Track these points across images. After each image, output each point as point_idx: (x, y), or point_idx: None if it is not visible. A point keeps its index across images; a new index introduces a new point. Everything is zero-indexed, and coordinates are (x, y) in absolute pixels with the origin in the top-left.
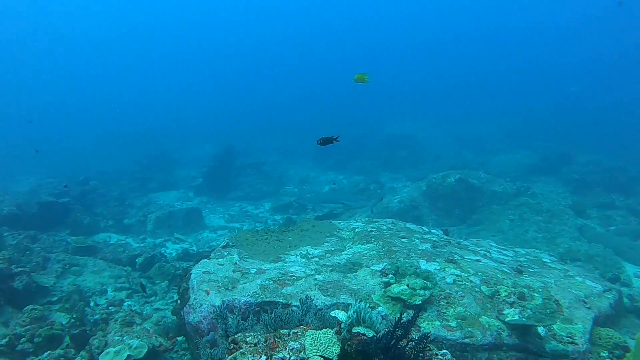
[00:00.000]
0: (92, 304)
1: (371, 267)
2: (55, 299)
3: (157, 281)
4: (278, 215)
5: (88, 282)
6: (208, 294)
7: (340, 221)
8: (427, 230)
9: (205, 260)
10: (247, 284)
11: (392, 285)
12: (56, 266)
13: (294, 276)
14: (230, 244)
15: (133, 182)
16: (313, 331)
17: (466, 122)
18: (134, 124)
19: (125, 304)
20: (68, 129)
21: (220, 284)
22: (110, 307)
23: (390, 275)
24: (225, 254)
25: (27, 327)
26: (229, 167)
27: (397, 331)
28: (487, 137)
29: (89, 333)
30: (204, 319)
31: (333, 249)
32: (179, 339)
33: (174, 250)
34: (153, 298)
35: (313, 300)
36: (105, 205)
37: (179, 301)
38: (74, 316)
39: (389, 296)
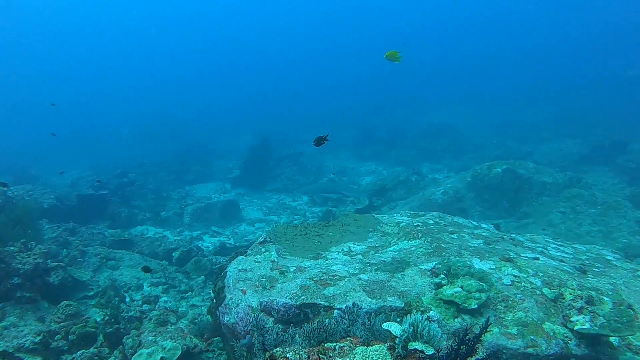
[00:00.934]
0: (127, 299)
1: (420, 266)
2: (92, 293)
3: (194, 276)
4: (317, 208)
5: (124, 277)
6: (245, 293)
7: (383, 215)
8: (476, 224)
9: (242, 257)
10: (286, 283)
11: (444, 287)
12: (93, 260)
13: (336, 275)
14: (268, 239)
15: (170, 174)
16: (363, 347)
17: (509, 109)
18: (173, 116)
19: (161, 299)
20: (109, 121)
21: (257, 283)
22: (144, 305)
23: (442, 276)
24: (263, 250)
25: (62, 323)
26: (266, 158)
27: (462, 348)
28: (531, 125)
29: (123, 332)
30: (240, 320)
31: (377, 245)
32: (214, 339)
33: (211, 243)
34: (189, 294)
35: (361, 307)
36: (143, 198)
37: (214, 300)
38: (109, 313)
39: (440, 299)
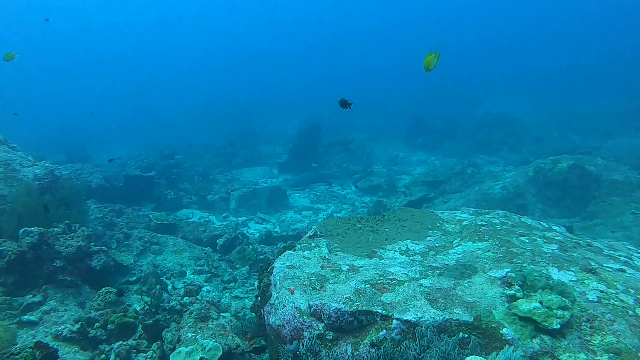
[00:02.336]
0: (169, 286)
1: (488, 273)
2: (134, 278)
3: (238, 265)
4: (366, 197)
5: (167, 262)
6: (292, 293)
7: (443, 211)
8: (547, 226)
9: (290, 252)
10: (338, 285)
11: (520, 301)
12: (137, 243)
13: (395, 279)
14: (319, 233)
15: (218, 157)
16: None
17: (571, 100)
18: (223, 99)
19: (204, 289)
20: (162, 104)
21: (306, 282)
22: (185, 298)
23: (516, 287)
24: (313, 245)
25: (101, 311)
26: (315, 144)
27: None
28: (596, 117)
29: (163, 324)
30: (286, 323)
31: (437, 244)
32: (257, 339)
33: (257, 230)
34: (232, 284)
35: (434, 332)
36: (190, 180)
37: (259, 297)
38: (149, 302)
39: (515, 314)
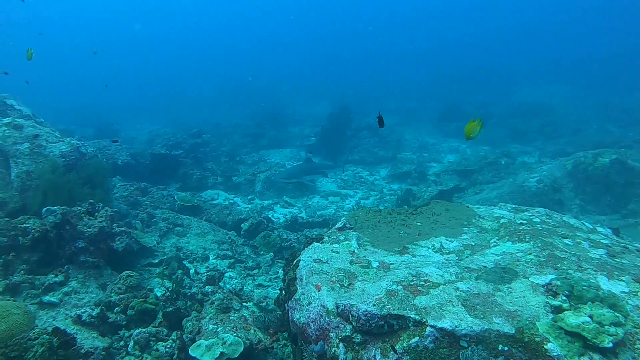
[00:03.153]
0: (192, 271)
1: (530, 279)
2: (156, 261)
3: (262, 252)
4: (395, 185)
5: (190, 245)
6: (319, 290)
7: (479, 206)
8: (590, 227)
9: (318, 244)
10: (368, 284)
11: (567, 314)
12: (161, 224)
13: (429, 281)
14: (348, 225)
15: (245, 138)
16: None
17: (611, 91)
18: (255, 78)
19: (227, 274)
20: (188, 81)
21: (334, 279)
22: (207, 287)
23: (562, 297)
24: (342, 238)
25: (122, 295)
26: (344, 128)
27: None
28: (636, 109)
29: (183, 312)
30: (312, 322)
31: (473, 243)
32: (280, 335)
33: (282, 215)
34: (256, 271)
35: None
36: (216, 160)
37: (284, 291)
38: (170, 288)
39: (561, 328)
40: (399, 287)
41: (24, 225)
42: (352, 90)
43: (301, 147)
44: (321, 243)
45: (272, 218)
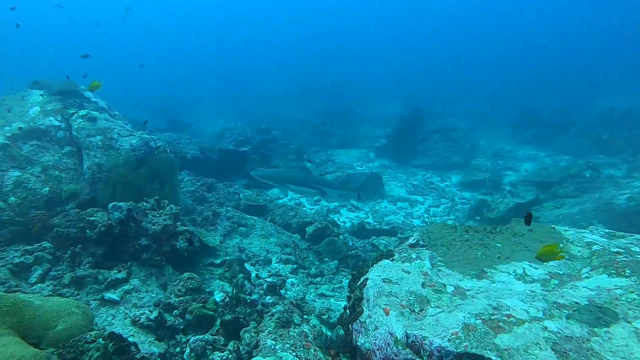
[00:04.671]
0: (253, 274)
1: (634, 324)
2: (219, 261)
3: (326, 259)
4: (467, 193)
5: (253, 247)
6: (387, 314)
7: (567, 228)
8: None
9: (387, 261)
10: (443, 313)
11: None
12: (225, 223)
13: (512, 316)
14: (421, 242)
15: (313, 136)
16: None
17: None
18: (322, 75)
19: (289, 281)
20: (258, 75)
21: (404, 303)
22: (268, 297)
23: None
24: (414, 256)
25: (182, 298)
26: (415, 130)
27: None
28: None
29: (242, 321)
30: (378, 349)
31: (561, 272)
32: (341, 357)
33: (348, 219)
34: (319, 279)
35: None
36: (283, 158)
37: (348, 310)
38: (230, 294)
39: None
40: (477, 321)
41: (92, 218)
42: (423, 91)
43: (370, 148)
44: (391, 260)
45: (337, 222)
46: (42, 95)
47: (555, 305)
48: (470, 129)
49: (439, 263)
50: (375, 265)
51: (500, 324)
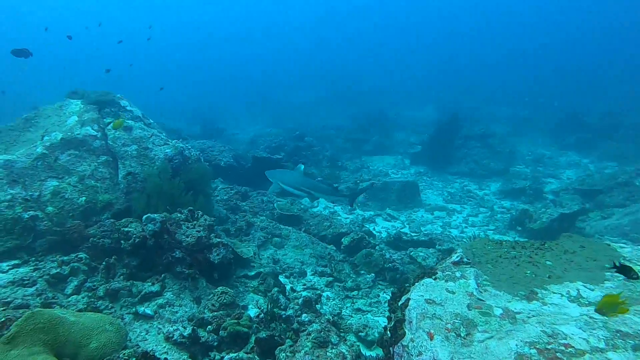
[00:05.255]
0: (288, 287)
1: None
2: (253, 273)
3: (362, 271)
4: (507, 201)
5: (288, 258)
6: (432, 338)
7: (623, 245)
8: None
9: (430, 280)
10: (492, 340)
11: None
12: (259, 234)
13: (570, 345)
14: (465, 260)
15: (347, 142)
16: None
17: None
18: (355, 80)
19: (324, 294)
20: (295, 81)
21: (449, 326)
22: (304, 315)
23: None
24: (458, 275)
25: (215, 313)
26: (452, 136)
27: None
28: None
29: (277, 340)
30: None
31: (621, 295)
32: None
33: (384, 229)
34: (355, 293)
35: None
36: (317, 165)
37: (389, 332)
38: (264, 310)
39: None
40: (532, 351)
41: (126, 229)
42: (459, 94)
43: (405, 155)
44: (434, 279)
45: (373, 232)
46: (79, 104)
47: (619, 334)
48: (508, 134)
49: (484, 282)
50: (417, 284)
51: (558, 354)
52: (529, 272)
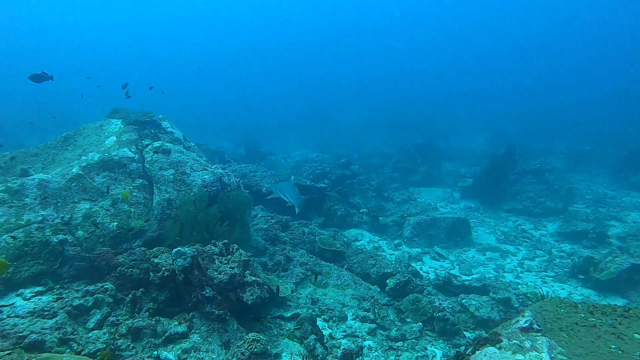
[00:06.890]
0: (326, 333)
1: None
2: (289, 314)
3: (408, 319)
4: (566, 245)
5: (328, 299)
6: None
7: None
8: None
9: (493, 349)
10: None
11: None
12: (297, 270)
13: None
14: (536, 326)
15: (395, 172)
16: None
17: None
18: (406, 108)
19: (366, 343)
20: (345, 105)
21: None
22: None
23: None
24: (527, 345)
25: None
26: (506, 170)
27: None
28: None
29: None
30: None
31: None
32: None
33: (432, 269)
34: (400, 344)
35: None
36: (362, 195)
37: None
38: None
39: None
40: None
41: (157, 260)
42: (512, 125)
43: (455, 187)
44: (498, 348)
45: (420, 271)
46: (119, 124)
47: None
48: (567, 169)
49: (559, 357)
50: (478, 352)
51: None
52: (613, 346)
